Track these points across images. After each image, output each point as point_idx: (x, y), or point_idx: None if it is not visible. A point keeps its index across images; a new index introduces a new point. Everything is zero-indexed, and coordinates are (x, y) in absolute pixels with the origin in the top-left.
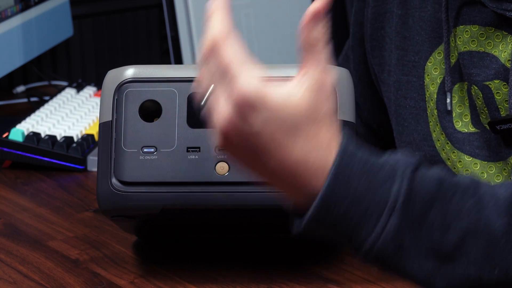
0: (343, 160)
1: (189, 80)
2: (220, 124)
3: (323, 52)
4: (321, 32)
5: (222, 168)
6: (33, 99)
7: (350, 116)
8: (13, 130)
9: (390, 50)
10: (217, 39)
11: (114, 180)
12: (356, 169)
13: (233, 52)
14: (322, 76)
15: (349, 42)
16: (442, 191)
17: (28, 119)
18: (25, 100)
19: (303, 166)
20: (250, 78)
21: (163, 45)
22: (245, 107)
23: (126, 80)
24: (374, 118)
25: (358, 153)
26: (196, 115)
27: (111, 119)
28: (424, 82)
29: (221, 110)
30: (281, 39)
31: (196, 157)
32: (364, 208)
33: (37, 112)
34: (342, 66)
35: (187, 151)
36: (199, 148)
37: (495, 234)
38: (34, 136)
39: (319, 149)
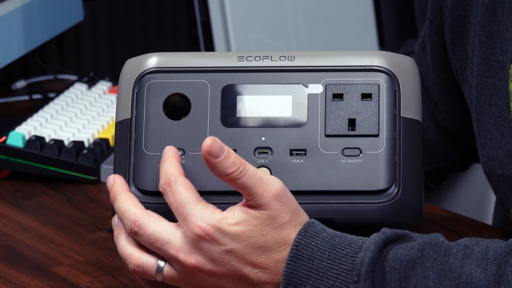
0: (303, 239)
1: (224, 71)
2: (190, 265)
3: (246, 176)
4: (225, 166)
5: None
6: (36, 96)
7: (415, 113)
8: (11, 134)
9: (473, 45)
10: (170, 179)
11: (133, 189)
12: (320, 246)
13: (184, 192)
14: (262, 192)
15: (426, 29)
16: (424, 255)
17: (29, 121)
18: (26, 97)
19: (277, 270)
20: (203, 214)
21: (192, 31)
22: (209, 241)
23: (148, 70)
24: (454, 121)
25: (323, 232)
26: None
27: (130, 116)
28: (509, 88)
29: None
30: (328, 26)
31: None
32: (330, 286)
33: (41, 112)
34: (419, 55)
35: None
36: (235, 150)
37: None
38: (36, 141)
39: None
